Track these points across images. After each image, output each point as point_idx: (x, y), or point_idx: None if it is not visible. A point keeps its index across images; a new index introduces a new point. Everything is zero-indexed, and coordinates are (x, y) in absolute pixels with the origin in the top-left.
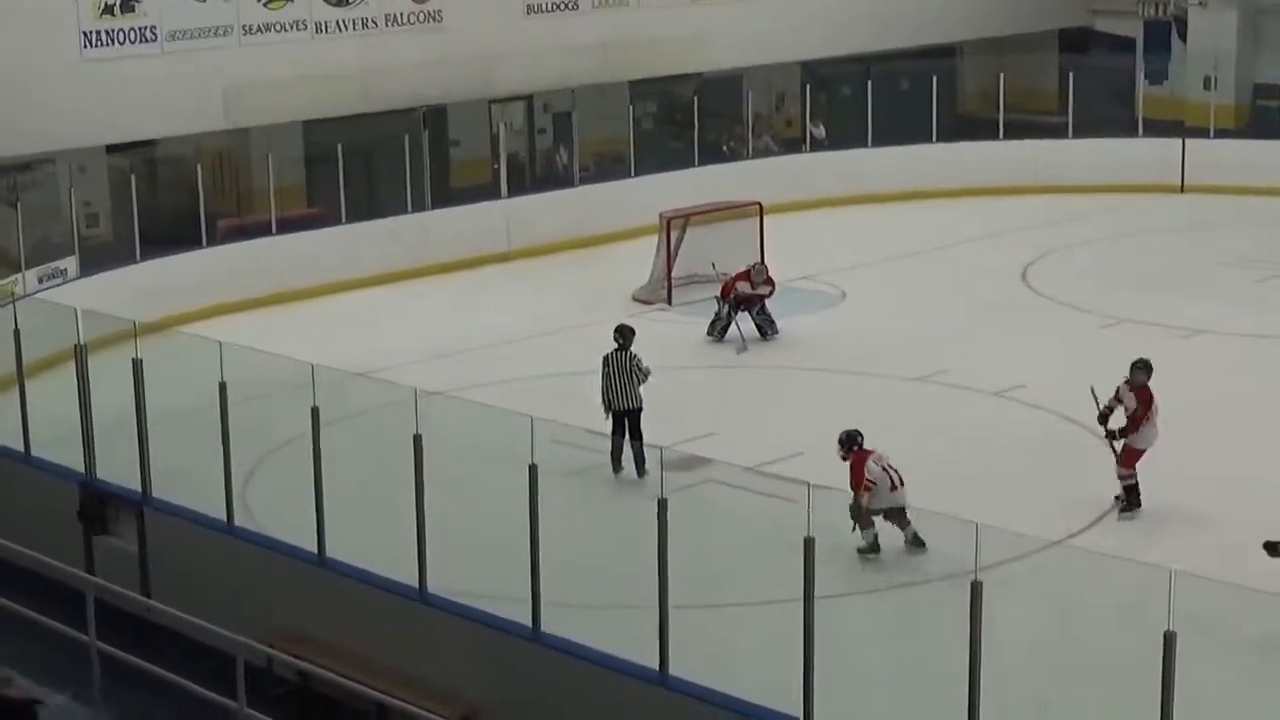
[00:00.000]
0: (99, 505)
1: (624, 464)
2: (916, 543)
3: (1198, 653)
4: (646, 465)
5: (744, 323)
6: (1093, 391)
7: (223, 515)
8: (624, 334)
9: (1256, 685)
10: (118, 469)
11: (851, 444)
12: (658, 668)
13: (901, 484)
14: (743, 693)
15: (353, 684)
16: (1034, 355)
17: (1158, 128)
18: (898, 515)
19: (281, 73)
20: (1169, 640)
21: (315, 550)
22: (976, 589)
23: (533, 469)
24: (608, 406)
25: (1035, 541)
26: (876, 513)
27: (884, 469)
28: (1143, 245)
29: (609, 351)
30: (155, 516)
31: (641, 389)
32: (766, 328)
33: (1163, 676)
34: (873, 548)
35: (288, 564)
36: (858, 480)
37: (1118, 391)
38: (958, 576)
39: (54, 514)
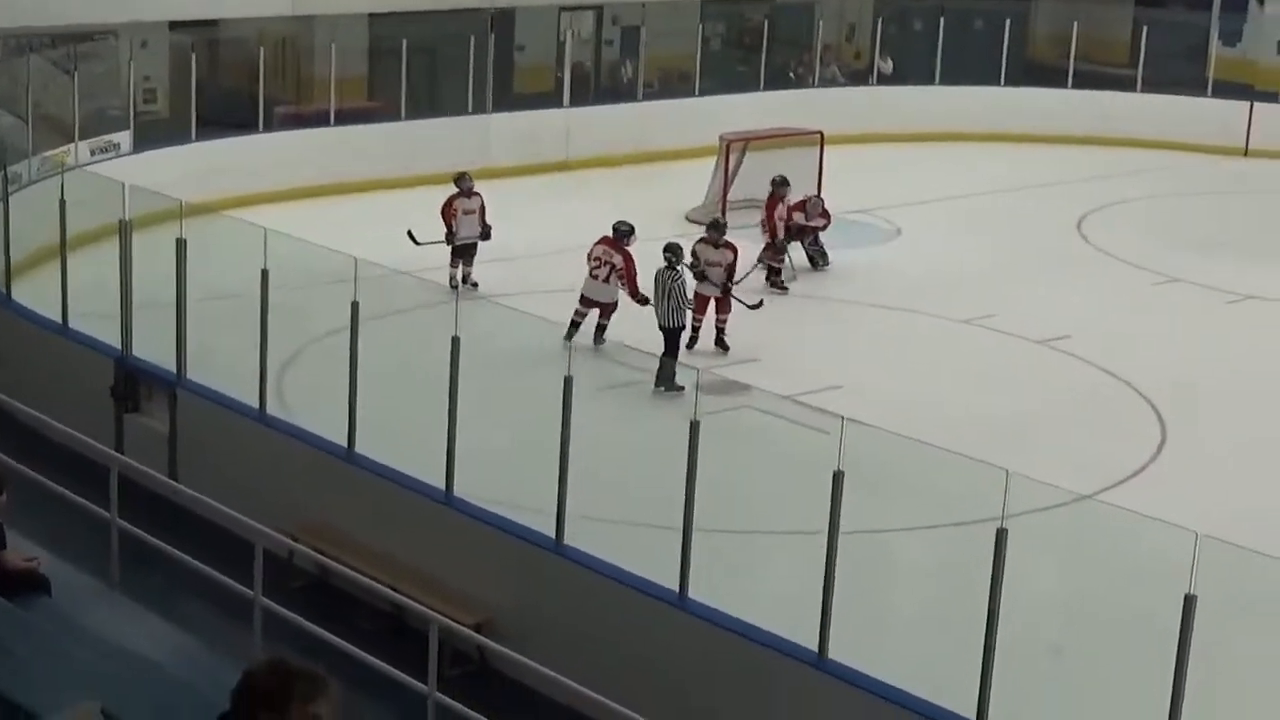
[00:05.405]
0: (132, 383)
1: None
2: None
3: (1217, 617)
4: (676, 382)
5: (795, 252)
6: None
7: (255, 402)
8: (671, 252)
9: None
10: (154, 348)
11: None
12: (678, 589)
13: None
14: (762, 621)
15: (371, 581)
16: (1083, 307)
17: (1227, 89)
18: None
19: None
20: (1189, 603)
21: (345, 445)
22: (1001, 536)
23: (568, 380)
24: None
25: (1065, 494)
26: None
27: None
28: (1202, 206)
29: (660, 268)
30: (188, 398)
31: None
32: (818, 258)
33: (1179, 638)
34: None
35: (316, 456)
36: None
37: None
38: (985, 522)
39: (87, 388)
